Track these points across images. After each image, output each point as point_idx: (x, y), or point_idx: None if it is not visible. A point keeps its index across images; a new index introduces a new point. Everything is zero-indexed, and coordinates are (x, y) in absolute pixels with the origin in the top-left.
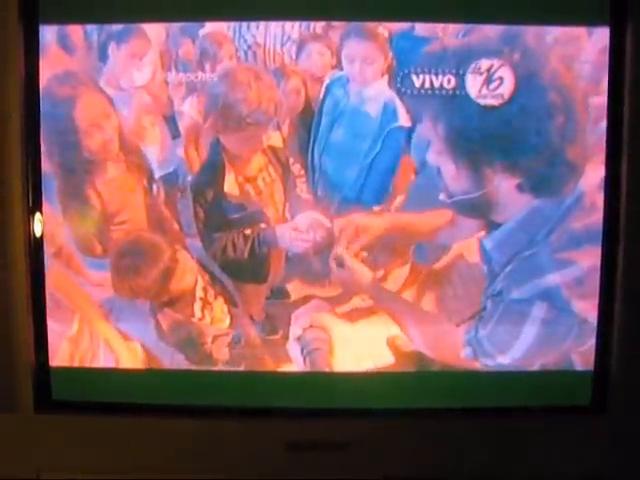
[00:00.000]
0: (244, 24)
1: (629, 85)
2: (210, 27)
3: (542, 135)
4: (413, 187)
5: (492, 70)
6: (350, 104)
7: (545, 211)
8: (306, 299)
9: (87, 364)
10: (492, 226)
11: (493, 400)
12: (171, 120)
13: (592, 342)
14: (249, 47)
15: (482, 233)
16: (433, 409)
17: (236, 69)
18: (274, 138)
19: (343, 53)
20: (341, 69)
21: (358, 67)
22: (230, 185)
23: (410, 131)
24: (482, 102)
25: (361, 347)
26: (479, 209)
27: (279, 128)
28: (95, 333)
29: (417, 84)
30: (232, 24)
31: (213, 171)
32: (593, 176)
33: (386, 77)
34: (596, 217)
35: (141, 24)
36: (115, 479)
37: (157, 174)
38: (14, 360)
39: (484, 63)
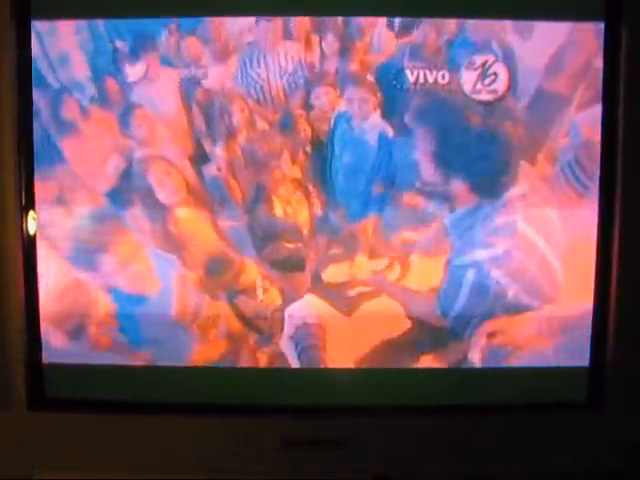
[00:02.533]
0: (253, 75)
1: (624, 81)
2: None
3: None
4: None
5: (487, 65)
6: (354, 135)
7: (484, 207)
8: (301, 295)
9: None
10: (451, 210)
11: (489, 397)
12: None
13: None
14: (260, 97)
15: (445, 214)
16: (429, 406)
17: (254, 120)
18: (295, 171)
19: (344, 95)
20: (344, 107)
21: (357, 106)
22: (270, 209)
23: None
24: (477, 98)
25: (356, 343)
26: (445, 198)
27: (297, 162)
28: None
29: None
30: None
31: (258, 202)
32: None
33: (379, 111)
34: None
35: (141, 21)
36: (109, 477)
37: (216, 208)
38: (7, 357)
39: (478, 58)
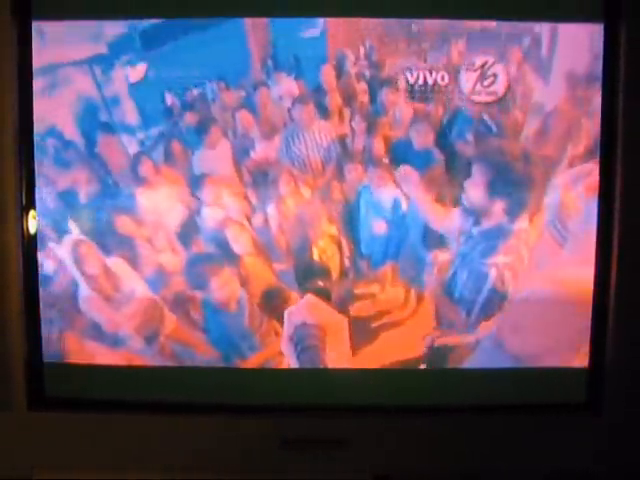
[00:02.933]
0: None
1: (623, 82)
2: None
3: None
4: None
5: (486, 67)
6: (375, 201)
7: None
8: (300, 295)
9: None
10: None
11: (489, 398)
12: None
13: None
14: (302, 168)
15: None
16: (429, 406)
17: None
18: (331, 228)
19: (367, 172)
20: (367, 180)
21: (376, 180)
22: (310, 255)
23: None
24: (476, 99)
25: (356, 343)
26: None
27: (332, 221)
28: None
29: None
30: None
31: (302, 250)
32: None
33: (393, 183)
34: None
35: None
36: (109, 477)
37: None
38: (7, 357)
39: (478, 59)
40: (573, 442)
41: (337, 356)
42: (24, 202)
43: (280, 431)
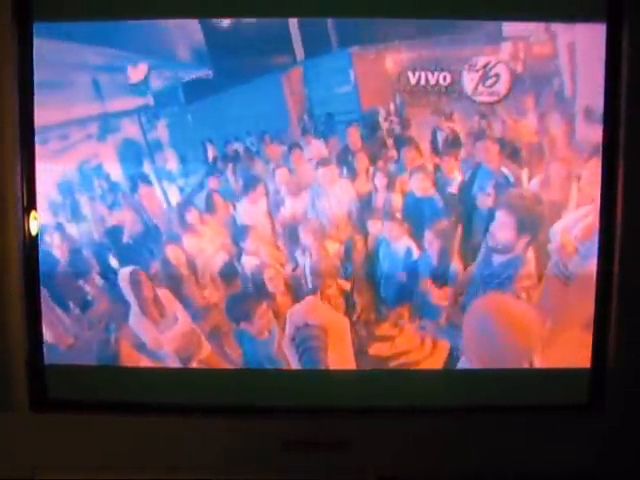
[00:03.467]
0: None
1: (626, 82)
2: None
3: None
4: None
5: (488, 67)
6: (391, 252)
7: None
8: (302, 297)
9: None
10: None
11: (490, 399)
12: None
13: None
14: (327, 224)
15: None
16: (430, 407)
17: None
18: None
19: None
20: (385, 233)
21: (392, 233)
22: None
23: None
24: (478, 99)
25: (357, 345)
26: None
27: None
28: None
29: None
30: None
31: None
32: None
33: (406, 235)
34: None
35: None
36: (110, 478)
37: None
38: (9, 358)
39: (480, 60)
40: (575, 443)
41: (339, 357)
42: (25, 203)
43: (282, 432)
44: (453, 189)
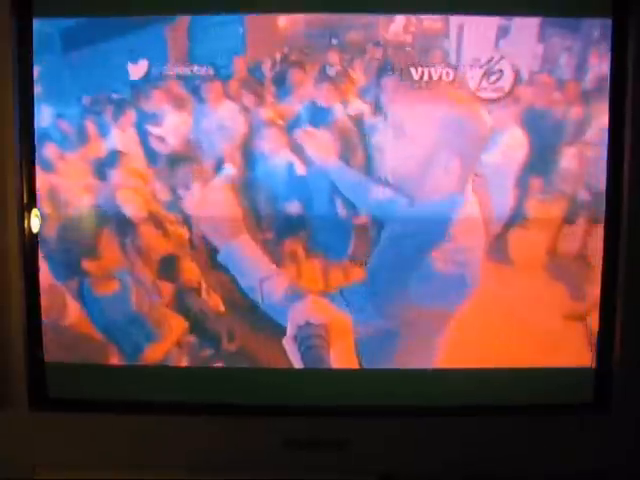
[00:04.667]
0: None
1: (631, 79)
2: None
3: None
4: None
5: (492, 63)
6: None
7: None
8: (303, 295)
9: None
10: None
11: (495, 398)
12: None
13: None
14: None
15: None
16: (433, 407)
17: None
18: None
19: None
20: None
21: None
22: None
23: None
24: (482, 95)
25: (360, 343)
26: None
27: None
28: None
29: None
30: None
31: None
32: None
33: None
34: None
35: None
36: (110, 477)
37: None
38: (8, 356)
39: (483, 55)
40: (580, 441)
41: (341, 356)
42: (25, 203)
43: (283, 431)
44: None
